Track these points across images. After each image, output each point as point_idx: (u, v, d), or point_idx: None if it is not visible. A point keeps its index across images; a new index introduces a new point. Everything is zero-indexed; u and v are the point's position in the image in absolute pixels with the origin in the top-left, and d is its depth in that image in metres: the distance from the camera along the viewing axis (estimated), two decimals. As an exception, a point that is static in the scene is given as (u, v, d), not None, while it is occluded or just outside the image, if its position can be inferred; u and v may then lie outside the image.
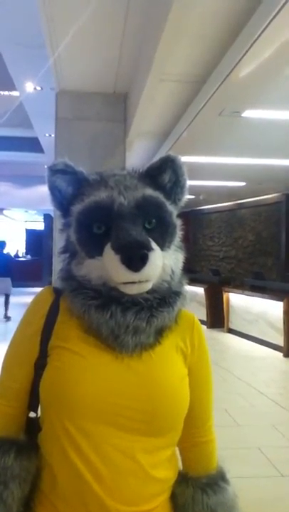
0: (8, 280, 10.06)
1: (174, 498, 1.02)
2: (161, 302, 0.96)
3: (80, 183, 1.02)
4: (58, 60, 3.96)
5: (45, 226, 16.88)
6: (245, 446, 3.85)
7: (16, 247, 19.29)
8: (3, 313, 10.04)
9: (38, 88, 6.43)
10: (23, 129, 10.29)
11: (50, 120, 4.99)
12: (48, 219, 16.18)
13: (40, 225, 18.41)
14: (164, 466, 0.98)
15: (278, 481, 3.30)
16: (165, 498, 1.00)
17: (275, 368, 6.74)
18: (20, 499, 0.95)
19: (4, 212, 19.22)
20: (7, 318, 9.87)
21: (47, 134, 8.68)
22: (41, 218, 17.96)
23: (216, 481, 1.04)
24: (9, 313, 9.95)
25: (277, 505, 2.98)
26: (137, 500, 0.94)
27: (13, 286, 10.42)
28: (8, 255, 11.14)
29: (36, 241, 17.37)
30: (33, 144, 10.86)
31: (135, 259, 0.89)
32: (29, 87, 6.47)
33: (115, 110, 4.68)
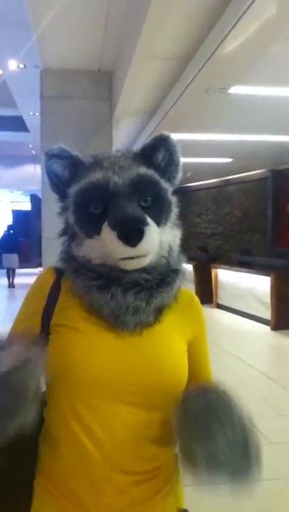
0: (15, 256, 12.16)
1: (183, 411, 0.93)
2: (160, 282, 0.99)
3: (76, 167, 1.04)
4: (42, 37, 3.91)
5: (32, 207, 16.71)
6: (236, 417, 3.96)
7: (3, 228, 19.09)
8: (7, 283, 12.22)
9: (22, 66, 6.34)
10: (6, 107, 10.15)
11: (35, 98, 4.94)
12: (34, 199, 16.00)
13: (26, 206, 18.23)
14: (163, 438, 1.02)
15: (266, 448, 3.40)
16: (166, 467, 1.05)
17: (263, 341, 6.87)
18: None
19: (-11, 193, 19.01)
20: (13, 286, 11.98)
21: (31, 113, 8.58)
22: (27, 199, 17.77)
23: (215, 388, 0.99)
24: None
25: (265, 469, 3.09)
26: (137, 470, 0.99)
27: (1, 268, 12.64)
28: (14, 235, 13.01)
29: (23, 222, 17.19)
30: (17, 123, 10.72)
31: (131, 234, 0.91)
32: (12, 64, 6.37)
33: (101, 88, 4.65)
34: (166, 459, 1.05)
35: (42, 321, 1.02)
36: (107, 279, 0.97)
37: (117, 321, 0.97)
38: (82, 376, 0.95)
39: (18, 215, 18.01)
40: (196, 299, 1.12)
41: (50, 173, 1.04)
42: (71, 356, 0.97)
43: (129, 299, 0.95)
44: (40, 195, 6.95)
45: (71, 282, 1.01)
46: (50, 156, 1.04)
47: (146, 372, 0.97)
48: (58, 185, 1.05)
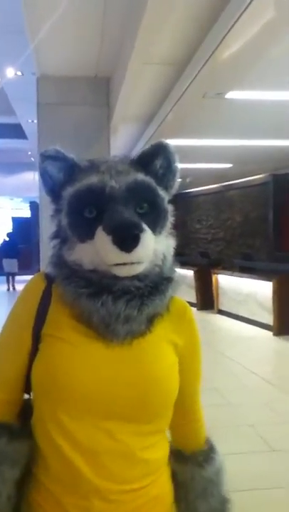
0: (15, 261, 13.40)
1: (173, 475, 1.08)
2: (152, 290, 0.96)
3: (72, 169, 1.02)
4: (38, 44, 3.91)
5: (31, 214, 16.74)
6: (238, 424, 3.92)
7: (3, 235, 19.12)
8: (5, 288, 13.37)
9: (19, 73, 6.34)
10: (5, 115, 10.16)
11: (33, 106, 4.94)
12: (34, 206, 16.05)
13: (26, 213, 18.26)
14: (153, 449, 1.01)
15: (269, 456, 3.38)
16: (155, 478, 1.02)
17: (266, 346, 6.83)
18: (12, 482, 0.97)
19: (-11, 200, 19.07)
20: (13, 288, 13.22)
21: (30, 120, 8.58)
22: (27, 206, 17.80)
23: (209, 455, 1.11)
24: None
25: (268, 478, 3.06)
26: (126, 479, 0.96)
27: (1, 275, 13.82)
28: (14, 241, 14.27)
29: (23, 229, 17.23)
30: (16, 131, 10.74)
31: (127, 239, 0.89)
32: (10, 72, 6.37)
33: (98, 95, 4.64)
34: (157, 467, 1.03)
35: (33, 330, 1.00)
36: (98, 286, 0.94)
37: (107, 330, 0.94)
38: (69, 389, 0.93)
39: (17, 222, 18.06)
40: (189, 309, 1.09)
41: (44, 175, 1.02)
42: (55, 367, 0.94)
43: (120, 307, 0.93)
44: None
45: (61, 289, 0.98)
46: (46, 157, 1.01)
47: (136, 384, 0.95)
48: (52, 187, 1.03)
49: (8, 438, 0.97)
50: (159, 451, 1.03)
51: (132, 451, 0.96)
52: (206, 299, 9.32)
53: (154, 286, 0.97)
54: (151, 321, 0.98)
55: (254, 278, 7.90)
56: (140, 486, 0.98)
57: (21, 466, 0.98)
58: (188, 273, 9.53)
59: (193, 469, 1.08)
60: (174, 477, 1.08)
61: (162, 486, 1.05)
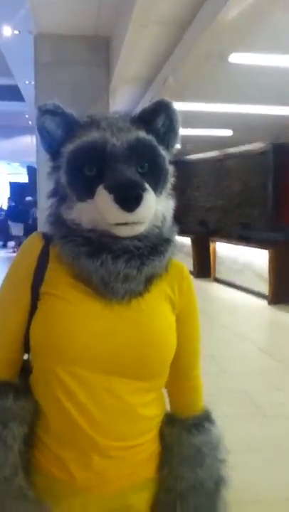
0: (21, 225, 13.57)
1: (161, 438, 1.06)
2: (152, 250, 0.95)
3: (71, 125, 0.99)
4: (36, 1, 3.77)
5: (28, 179, 16.56)
6: (232, 390, 3.98)
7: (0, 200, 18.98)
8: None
9: (16, 32, 6.16)
10: (2, 76, 9.92)
11: (30, 67, 4.81)
12: (31, 171, 15.87)
13: (23, 178, 18.07)
14: (151, 405, 1.01)
15: (262, 421, 3.44)
16: (154, 434, 1.04)
17: (261, 315, 6.89)
18: (21, 438, 0.97)
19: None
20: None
21: (27, 82, 8.38)
22: (24, 171, 17.60)
23: (201, 422, 1.08)
24: None
25: (261, 443, 3.12)
26: (126, 435, 0.97)
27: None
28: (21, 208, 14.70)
29: (21, 194, 17.10)
30: (13, 93, 10.51)
31: (129, 198, 0.88)
32: (7, 31, 6.18)
33: (97, 55, 4.51)
34: (156, 424, 1.05)
35: (32, 288, 0.99)
36: (97, 245, 0.93)
37: (106, 289, 0.93)
38: (67, 346, 0.93)
39: (15, 187, 17.89)
40: (186, 271, 1.09)
41: (42, 130, 0.98)
42: (54, 325, 0.94)
43: (119, 266, 0.92)
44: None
45: (59, 248, 0.97)
46: (44, 111, 0.97)
47: (134, 342, 0.95)
48: (51, 143, 0.99)
49: (14, 395, 0.98)
50: (157, 408, 1.04)
51: (133, 407, 0.97)
52: (203, 267, 9.35)
53: (153, 246, 0.96)
54: (150, 281, 0.98)
55: (251, 247, 7.90)
56: (140, 443, 1.00)
57: (28, 423, 0.98)
58: (186, 241, 9.52)
59: (180, 433, 1.05)
60: (162, 440, 1.06)
61: (158, 445, 1.06)
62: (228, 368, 4.56)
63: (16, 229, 13.68)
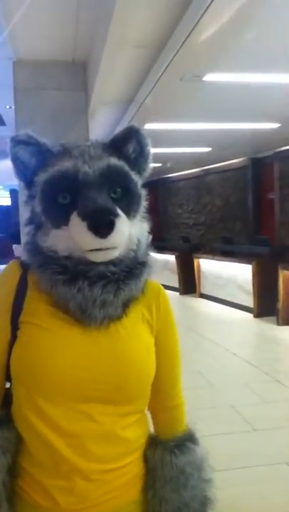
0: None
1: (145, 460, 1.07)
2: (127, 274, 0.97)
3: (44, 155, 1.01)
4: (14, 28, 3.83)
5: (12, 202, 16.53)
6: (219, 405, 3.99)
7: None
8: None
9: (-5, 58, 6.21)
10: (-19, 101, 9.95)
11: (10, 91, 4.85)
12: (14, 194, 15.86)
13: (6, 201, 18.01)
14: (132, 427, 1.02)
15: (250, 436, 3.45)
16: (137, 456, 1.05)
17: (247, 328, 6.93)
18: (5, 469, 0.98)
19: None
20: None
21: (7, 106, 8.42)
22: (7, 194, 17.56)
23: (183, 442, 1.08)
24: None
25: (249, 457, 3.12)
26: (106, 458, 0.98)
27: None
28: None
29: (3, 217, 17.03)
30: (-7, 117, 10.52)
31: (102, 225, 0.89)
32: (-15, 57, 6.23)
33: (76, 79, 4.58)
34: (139, 446, 1.05)
35: (12, 318, 0.99)
36: (73, 272, 0.94)
37: (84, 316, 0.95)
38: (46, 374, 0.94)
39: (-1, 210, 17.83)
40: (162, 289, 1.11)
41: (16, 160, 1.01)
42: (33, 353, 0.95)
43: (96, 292, 0.93)
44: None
45: (37, 277, 0.98)
46: (17, 142, 1.00)
47: (112, 369, 0.96)
48: (24, 172, 1.02)
49: None
50: (139, 430, 1.04)
51: (113, 430, 0.97)
52: (188, 283, 9.39)
53: (128, 270, 0.98)
54: (127, 304, 0.99)
55: (234, 261, 7.97)
56: (122, 465, 1.00)
57: (12, 454, 0.98)
58: (170, 258, 9.56)
59: (163, 454, 1.05)
60: (146, 462, 1.06)
61: (142, 467, 1.06)
62: (215, 382, 4.57)
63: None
